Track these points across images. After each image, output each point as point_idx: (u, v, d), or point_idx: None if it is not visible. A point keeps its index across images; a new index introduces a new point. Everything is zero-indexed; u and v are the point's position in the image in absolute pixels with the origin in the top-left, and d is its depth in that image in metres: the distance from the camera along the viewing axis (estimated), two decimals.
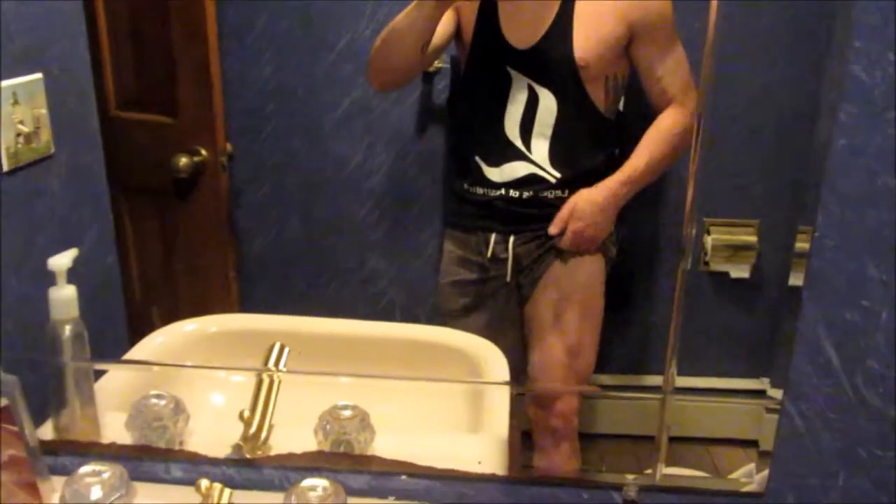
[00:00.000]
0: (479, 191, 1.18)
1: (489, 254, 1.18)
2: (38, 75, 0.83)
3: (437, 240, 1.61)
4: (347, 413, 0.79)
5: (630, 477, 0.72)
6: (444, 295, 1.31)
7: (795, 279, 0.66)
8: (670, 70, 1.06)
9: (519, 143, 1.14)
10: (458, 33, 1.20)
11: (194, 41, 1.39)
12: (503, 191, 1.17)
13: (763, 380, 0.72)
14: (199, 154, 1.45)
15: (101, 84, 1.43)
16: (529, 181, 1.14)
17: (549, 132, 1.14)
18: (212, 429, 0.83)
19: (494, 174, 1.18)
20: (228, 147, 1.48)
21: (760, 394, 0.70)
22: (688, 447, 0.84)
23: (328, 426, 0.78)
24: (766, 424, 0.70)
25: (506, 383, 0.92)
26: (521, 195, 1.14)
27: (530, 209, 1.11)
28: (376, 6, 1.47)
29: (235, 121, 1.51)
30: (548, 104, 1.12)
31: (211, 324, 1.08)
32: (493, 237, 1.18)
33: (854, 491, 0.71)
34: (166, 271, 1.55)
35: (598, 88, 1.07)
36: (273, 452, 0.78)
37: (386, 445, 0.81)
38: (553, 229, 1.13)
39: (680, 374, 1.10)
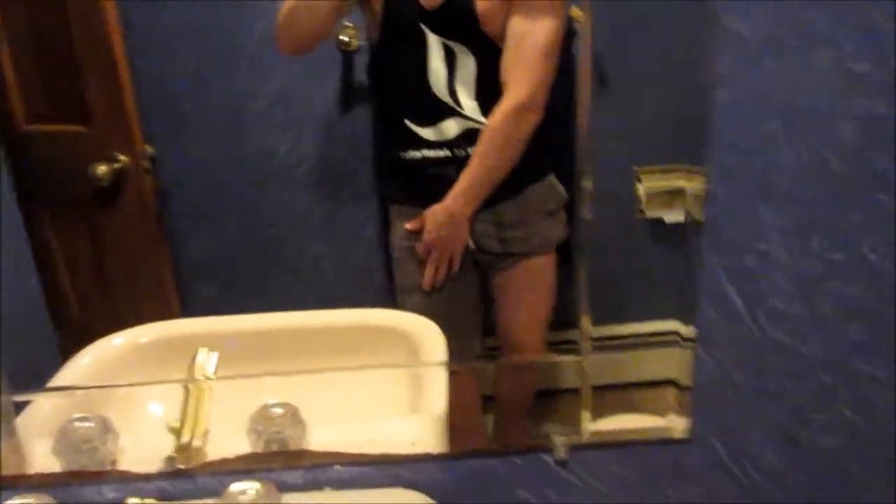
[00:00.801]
0: (418, 155, 1.17)
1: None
2: None
3: (376, 218, 1.61)
4: (278, 411, 0.78)
5: (559, 438, 0.74)
6: (403, 270, 1.30)
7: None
8: (517, 46, 1.06)
9: (448, 100, 1.13)
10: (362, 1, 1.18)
11: (98, 46, 1.34)
12: (445, 151, 1.17)
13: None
14: (117, 160, 1.41)
15: (6, 101, 1.38)
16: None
17: (472, 85, 1.13)
18: (148, 442, 0.82)
19: (430, 134, 1.16)
20: (149, 149, 1.45)
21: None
22: (628, 393, 0.86)
23: (259, 427, 0.78)
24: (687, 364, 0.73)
25: (437, 363, 0.92)
26: (465, 152, 1.14)
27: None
28: None
29: (155, 122, 1.47)
30: (464, 59, 1.12)
31: (140, 334, 1.06)
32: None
33: (773, 424, 0.74)
34: (101, 283, 1.52)
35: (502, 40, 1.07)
36: (210, 459, 0.78)
37: (324, 437, 0.81)
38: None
39: (623, 321, 1.12)
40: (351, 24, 1.23)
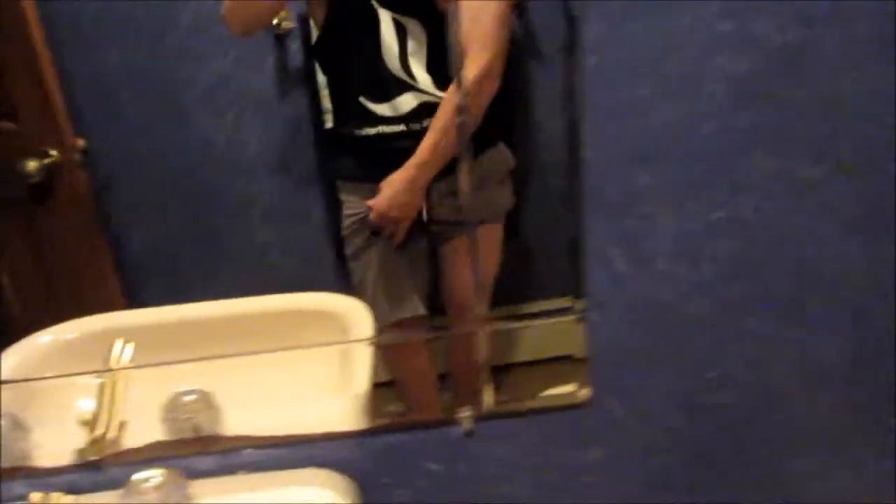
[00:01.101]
0: (373, 131, 1.17)
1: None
2: None
3: (321, 200, 1.60)
4: (190, 397, 0.79)
5: (464, 412, 0.75)
6: (354, 243, 1.29)
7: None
8: (474, 17, 1.06)
9: (403, 75, 1.13)
10: None
11: (18, 40, 1.32)
12: (401, 126, 1.17)
13: None
14: (48, 155, 1.39)
15: None
16: (424, 110, 1.14)
17: (424, 58, 1.13)
18: (63, 437, 0.82)
19: (386, 109, 1.16)
20: (80, 143, 1.43)
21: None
22: (531, 370, 0.88)
23: (172, 414, 0.78)
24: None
25: (348, 341, 0.93)
26: (421, 125, 1.14)
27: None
28: None
29: (88, 114, 1.46)
30: (415, 33, 1.12)
31: (66, 330, 1.06)
32: None
33: (666, 383, 0.75)
34: (43, 281, 1.51)
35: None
36: (125, 449, 0.78)
37: (241, 422, 0.82)
38: (372, 202, 1.15)
39: (525, 300, 1.13)
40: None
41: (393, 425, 0.78)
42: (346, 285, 1.61)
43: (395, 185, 1.15)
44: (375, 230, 1.19)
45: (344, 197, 1.29)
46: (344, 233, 1.28)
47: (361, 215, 1.26)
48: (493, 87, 1.07)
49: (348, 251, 1.28)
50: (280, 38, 1.41)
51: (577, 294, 0.74)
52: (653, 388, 0.75)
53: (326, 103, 1.49)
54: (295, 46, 1.44)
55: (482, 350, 0.75)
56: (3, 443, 0.75)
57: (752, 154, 0.67)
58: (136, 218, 1.57)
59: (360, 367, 0.96)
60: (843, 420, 0.78)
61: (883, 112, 0.66)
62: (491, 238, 1.20)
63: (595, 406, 0.76)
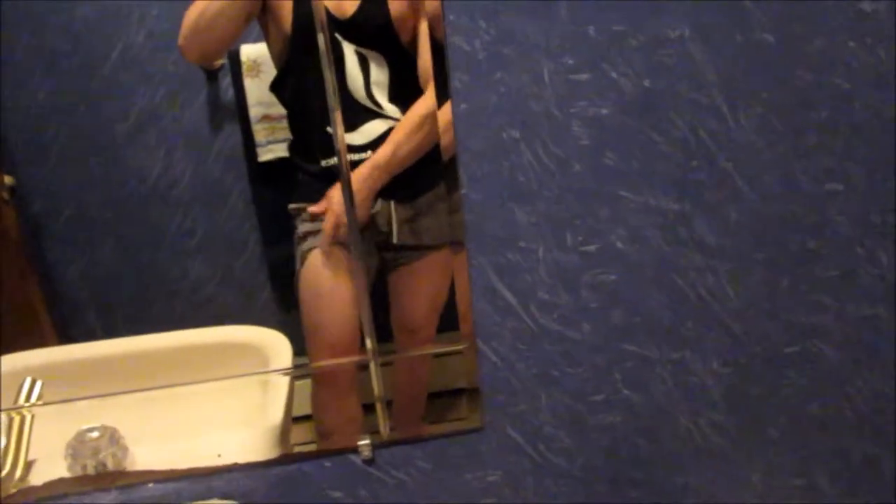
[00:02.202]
0: (338, 161, 1.18)
1: (383, 219, 1.18)
2: None
3: (256, 233, 1.62)
4: (94, 434, 0.80)
5: (363, 440, 0.78)
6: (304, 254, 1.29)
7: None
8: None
9: (368, 103, 1.15)
10: (264, 12, 1.19)
11: None
12: (368, 153, 1.18)
13: None
14: None
15: None
16: None
17: (386, 89, 1.16)
18: None
19: (355, 138, 1.18)
20: (8, 179, 1.43)
21: None
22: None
23: (76, 450, 0.79)
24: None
25: (261, 372, 0.95)
26: None
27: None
28: (144, 11, 1.44)
29: (18, 150, 1.46)
30: (378, 63, 1.15)
31: None
32: (378, 203, 1.18)
33: (558, 407, 0.79)
34: None
35: (414, 49, 1.10)
36: (27, 487, 0.79)
37: (149, 457, 0.83)
38: (315, 209, 1.16)
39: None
40: None
41: (295, 455, 0.80)
42: (282, 318, 1.63)
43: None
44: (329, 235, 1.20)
45: (297, 221, 1.29)
46: (298, 253, 1.29)
47: (310, 230, 1.26)
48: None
49: (300, 269, 1.28)
50: (211, 73, 1.44)
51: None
52: (545, 412, 0.79)
53: (259, 137, 1.52)
54: (226, 81, 1.47)
55: (378, 384, 0.78)
56: None
57: (619, 190, 0.71)
58: (69, 254, 1.57)
59: (277, 398, 0.98)
60: (726, 436, 0.83)
61: (734, 148, 0.71)
62: (443, 264, 1.23)
63: (489, 430, 0.79)
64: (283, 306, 1.64)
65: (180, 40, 1.17)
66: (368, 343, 0.77)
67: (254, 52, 1.28)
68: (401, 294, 1.30)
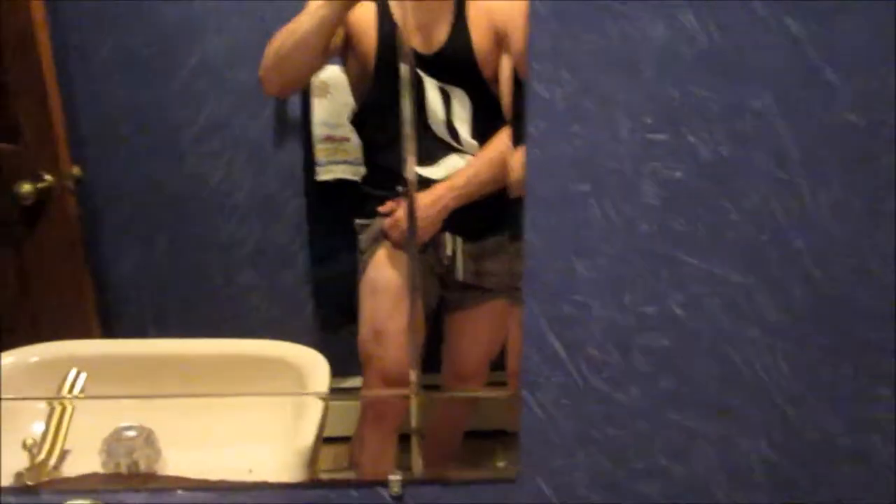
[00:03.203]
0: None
1: (448, 253, 1.18)
2: None
3: (306, 250, 1.64)
4: (131, 433, 0.81)
5: (394, 475, 0.77)
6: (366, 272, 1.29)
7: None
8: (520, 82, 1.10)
9: (448, 138, 1.16)
10: (347, 47, 1.21)
11: (27, 65, 1.38)
12: None
13: None
14: (42, 179, 1.44)
15: None
16: None
17: (469, 124, 1.17)
18: (7, 459, 0.84)
19: (434, 172, 1.18)
20: (75, 170, 1.48)
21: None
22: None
23: (111, 447, 0.80)
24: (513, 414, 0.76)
25: (291, 393, 0.95)
26: None
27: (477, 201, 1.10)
28: (226, 20, 1.49)
29: (90, 144, 1.51)
30: (460, 99, 1.16)
31: (31, 354, 1.08)
32: (446, 237, 1.18)
33: (594, 468, 0.77)
34: (23, 302, 1.54)
35: (497, 86, 1.11)
36: (60, 478, 0.80)
37: (181, 462, 0.83)
38: (383, 208, 1.17)
39: None
40: None
41: (325, 482, 0.79)
42: (321, 336, 1.63)
43: (419, 200, 1.16)
44: (386, 234, 1.20)
45: (362, 231, 1.30)
46: (361, 246, 1.29)
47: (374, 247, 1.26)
48: None
49: (361, 287, 1.28)
50: None
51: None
52: (581, 471, 0.77)
53: (320, 156, 1.54)
54: (294, 98, 1.50)
55: (417, 419, 0.77)
56: None
57: (683, 255, 0.70)
58: (122, 249, 1.61)
59: (310, 420, 0.97)
60: None
61: (807, 227, 0.70)
62: (503, 311, 1.21)
63: (522, 482, 0.77)
64: (324, 325, 1.65)
65: (260, 71, 1.19)
66: (413, 375, 0.76)
67: (325, 72, 1.30)
68: (456, 338, 1.30)
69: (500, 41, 1.11)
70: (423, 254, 1.20)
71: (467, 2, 1.12)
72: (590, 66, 0.65)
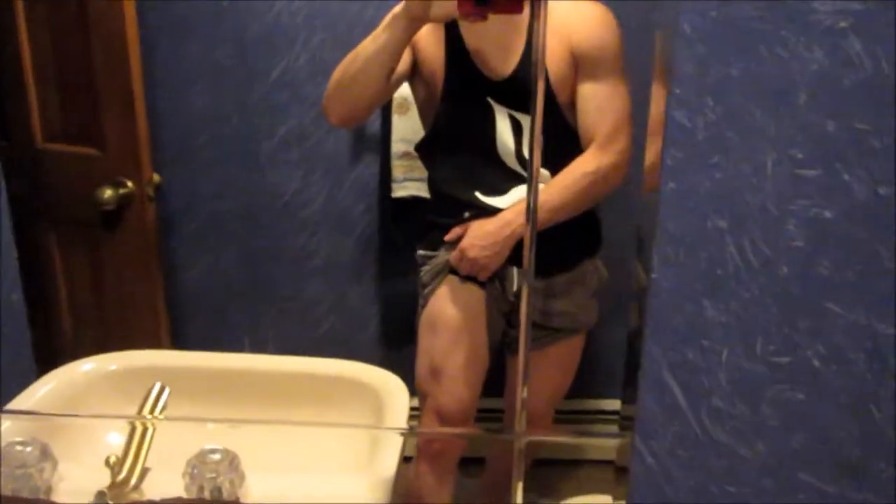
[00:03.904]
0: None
1: (514, 288, 1.14)
2: None
3: (374, 266, 1.62)
4: (216, 456, 0.78)
5: None
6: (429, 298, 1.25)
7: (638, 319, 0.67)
8: (599, 108, 1.05)
9: (518, 168, 1.12)
10: (414, 75, 1.17)
11: (117, 73, 1.40)
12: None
13: None
14: (124, 186, 1.45)
15: (26, 118, 1.44)
16: None
17: (540, 153, 1.12)
18: (87, 474, 0.82)
19: (499, 202, 1.14)
20: (156, 178, 1.49)
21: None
22: (560, 470, 0.84)
23: (195, 470, 0.77)
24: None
25: (378, 427, 0.92)
26: None
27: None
28: (310, 34, 1.49)
29: (168, 151, 1.52)
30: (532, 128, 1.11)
31: (110, 362, 1.08)
32: (514, 272, 1.14)
33: None
34: (97, 303, 1.55)
35: (571, 112, 1.07)
36: (146, 498, 0.77)
37: (262, 487, 0.80)
38: (448, 236, 1.13)
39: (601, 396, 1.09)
40: None
41: None
42: (385, 354, 1.61)
43: (484, 226, 1.11)
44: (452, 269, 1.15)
45: (425, 263, 1.26)
46: (424, 279, 1.25)
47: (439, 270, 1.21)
48: (617, 179, 1.05)
49: (424, 314, 1.24)
50: None
51: (625, 399, 0.71)
52: None
53: (397, 172, 1.52)
54: (374, 114, 1.48)
55: (518, 455, 0.72)
56: (29, 472, 0.75)
57: (828, 303, 0.64)
58: (193, 257, 1.61)
59: (390, 449, 0.94)
60: None
61: None
62: (572, 352, 1.17)
63: None
64: (388, 343, 1.63)
65: (324, 101, 1.15)
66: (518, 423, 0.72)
67: (406, 89, 1.28)
68: (518, 381, 1.24)
69: (576, 64, 1.05)
70: (488, 287, 1.16)
71: (541, 23, 1.07)
72: (736, 94, 0.59)
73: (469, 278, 1.09)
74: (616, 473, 0.72)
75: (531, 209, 0.64)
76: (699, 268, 0.63)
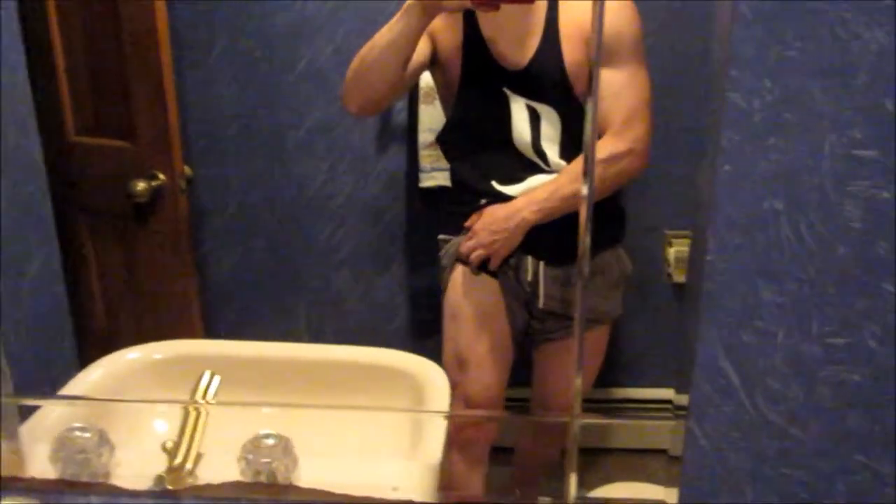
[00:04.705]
0: None
1: (529, 278, 1.14)
2: None
3: (402, 256, 1.63)
4: (270, 441, 0.79)
5: (545, 500, 0.73)
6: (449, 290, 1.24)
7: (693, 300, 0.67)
8: (616, 94, 1.04)
9: (535, 158, 1.11)
10: (434, 65, 1.17)
11: (148, 66, 1.41)
12: None
13: None
14: (156, 178, 1.47)
15: (58, 110, 1.46)
16: None
17: (557, 143, 1.12)
18: (145, 459, 0.83)
19: (514, 191, 1.13)
20: (187, 170, 1.50)
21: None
22: (616, 458, 0.85)
23: (250, 455, 0.78)
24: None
25: (421, 410, 0.93)
26: None
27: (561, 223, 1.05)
28: (336, 25, 1.49)
29: (197, 144, 1.53)
30: (549, 117, 1.10)
31: (154, 351, 1.09)
32: (528, 261, 1.14)
33: None
34: (130, 295, 1.57)
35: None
36: (200, 483, 0.79)
37: (314, 472, 0.81)
38: (468, 223, 1.13)
39: (640, 385, 1.09)
40: None
41: (468, 502, 0.76)
42: (414, 343, 1.62)
43: (496, 212, 1.11)
44: (462, 259, 1.16)
45: (444, 247, 1.26)
46: (443, 263, 1.25)
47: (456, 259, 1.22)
48: (636, 166, 1.05)
49: (446, 302, 1.24)
50: None
51: (679, 388, 0.72)
52: None
53: (424, 162, 1.52)
54: (400, 104, 1.49)
55: (573, 441, 0.73)
56: (88, 457, 0.77)
57: (885, 283, 0.64)
58: (224, 249, 1.62)
59: (434, 436, 0.95)
60: None
61: None
62: (596, 343, 1.16)
63: None
64: (417, 333, 1.63)
65: (342, 90, 1.16)
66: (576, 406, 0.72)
67: (430, 78, 1.28)
68: (544, 373, 1.24)
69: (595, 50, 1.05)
70: (501, 277, 1.16)
71: (559, 13, 1.07)
72: (794, 74, 0.59)
73: (481, 268, 1.09)
74: (667, 461, 0.72)
75: (589, 194, 0.64)
76: (755, 249, 0.64)
